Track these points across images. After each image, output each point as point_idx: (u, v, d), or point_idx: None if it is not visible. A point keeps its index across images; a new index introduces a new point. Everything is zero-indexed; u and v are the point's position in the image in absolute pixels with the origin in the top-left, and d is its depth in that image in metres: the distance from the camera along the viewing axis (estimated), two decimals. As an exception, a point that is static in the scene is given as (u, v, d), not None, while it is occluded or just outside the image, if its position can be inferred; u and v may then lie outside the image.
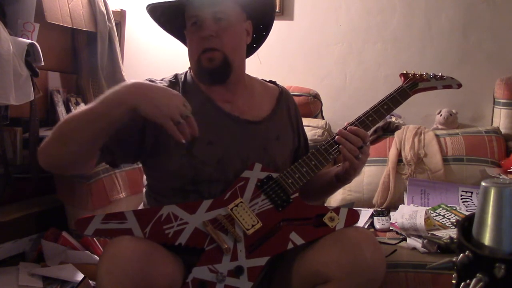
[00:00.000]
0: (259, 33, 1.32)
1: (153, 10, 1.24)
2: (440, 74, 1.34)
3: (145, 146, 1.18)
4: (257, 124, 1.26)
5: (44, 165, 1.11)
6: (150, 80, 1.22)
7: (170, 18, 1.27)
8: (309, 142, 1.45)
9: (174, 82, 1.26)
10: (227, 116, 1.23)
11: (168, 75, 1.30)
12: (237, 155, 1.20)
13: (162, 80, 1.26)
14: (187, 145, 1.17)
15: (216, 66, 1.18)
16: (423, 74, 1.32)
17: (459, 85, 1.35)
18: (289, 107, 1.36)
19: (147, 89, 1.06)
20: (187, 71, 1.30)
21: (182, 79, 1.27)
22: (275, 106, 1.32)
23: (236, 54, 1.22)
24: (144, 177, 1.30)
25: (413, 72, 1.32)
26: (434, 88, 1.33)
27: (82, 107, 1.08)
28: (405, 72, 1.33)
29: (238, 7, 1.22)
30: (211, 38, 1.17)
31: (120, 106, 1.04)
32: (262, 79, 1.39)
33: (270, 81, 1.40)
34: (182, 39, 1.31)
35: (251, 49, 1.34)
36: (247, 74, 1.32)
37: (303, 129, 1.41)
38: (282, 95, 1.35)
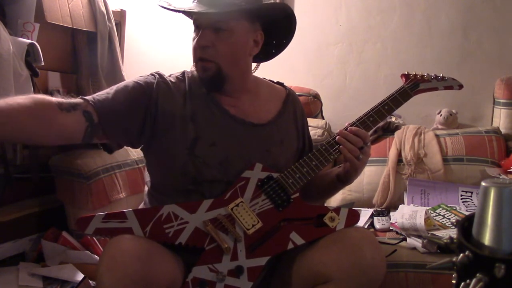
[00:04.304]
0: (278, 44, 1.32)
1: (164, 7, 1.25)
2: (441, 75, 1.34)
3: (145, 129, 1.18)
4: (262, 127, 1.26)
5: None
6: (159, 74, 1.24)
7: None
8: (310, 142, 1.45)
9: (181, 79, 1.27)
10: (232, 118, 1.23)
11: (176, 71, 1.30)
12: (240, 157, 1.20)
13: (170, 75, 1.27)
14: (189, 144, 1.17)
15: (208, 76, 1.19)
16: (424, 75, 1.32)
17: (460, 86, 1.35)
18: (296, 109, 1.36)
19: None
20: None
21: (190, 77, 1.27)
22: (281, 108, 1.32)
23: (234, 65, 1.21)
24: (146, 176, 1.30)
25: (414, 73, 1.33)
26: (435, 89, 1.33)
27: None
28: (406, 72, 1.33)
29: (246, 19, 1.20)
30: (206, 49, 1.17)
31: None
32: (269, 80, 1.39)
33: (278, 82, 1.40)
34: None
35: (269, 55, 1.34)
36: (254, 76, 1.32)
37: (309, 132, 1.41)
38: (289, 98, 1.35)
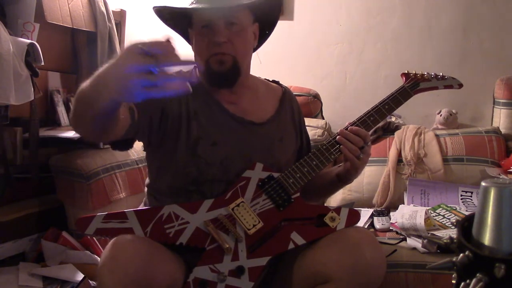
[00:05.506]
0: (261, 34, 1.31)
1: (160, 11, 1.23)
2: (441, 74, 1.35)
3: (160, 127, 1.17)
4: (261, 125, 1.26)
5: (77, 133, 1.14)
6: None
7: (177, 17, 1.26)
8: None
9: None
10: (232, 117, 1.23)
11: None
12: (240, 156, 1.20)
13: None
14: (191, 144, 1.17)
15: (225, 69, 1.18)
16: (424, 74, 1.33)
17: (460, 85, 1.35)
18: (293, 107, 1.36)
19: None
20: (191, 70, 1.30)
21: (187, 78, 1.27)
22: (279, 106, 1.32)
23: (245, 58, 1.23)
24: (147, 178, 1.30)
25: (414, 72, 1.33)
26: (435, 88, 1.33)
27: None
28: (406, 72, 1.33)
29: (248, 11, 1.21)
30: (223, 44, 1.16)
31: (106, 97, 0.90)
32: (265, 79, 1.39)
33: (274, 81, 1.40)
34: (185, 36, 1.30)
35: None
36: (251, 75, 1.32)
37: (306, 129, 1.41)
38: (285, 96, 1.35)
